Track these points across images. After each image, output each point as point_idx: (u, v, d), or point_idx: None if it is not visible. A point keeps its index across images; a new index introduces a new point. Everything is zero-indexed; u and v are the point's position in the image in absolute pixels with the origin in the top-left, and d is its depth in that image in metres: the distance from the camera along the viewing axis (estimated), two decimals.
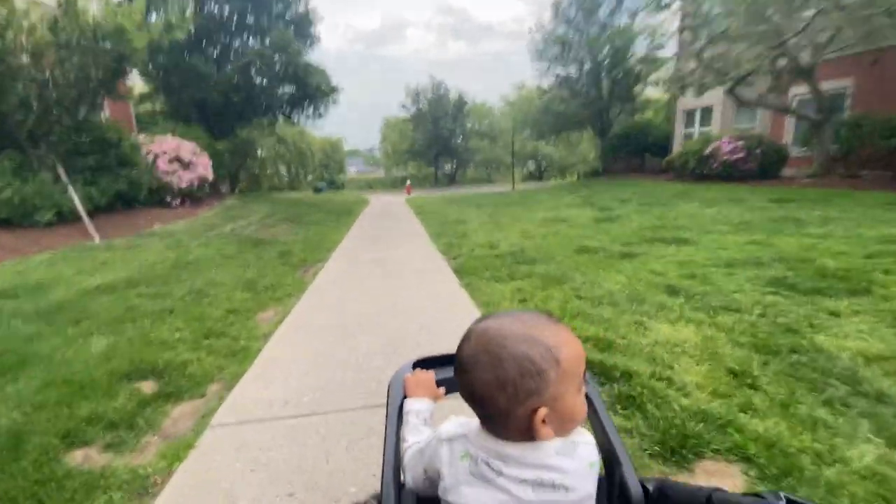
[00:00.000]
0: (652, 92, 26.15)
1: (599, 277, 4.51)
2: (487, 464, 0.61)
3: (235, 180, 45.42)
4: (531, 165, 54.62)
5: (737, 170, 13.57)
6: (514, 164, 30.76)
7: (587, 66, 22.09)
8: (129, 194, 9.41)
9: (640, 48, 21.52)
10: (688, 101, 18.24)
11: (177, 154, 11.48)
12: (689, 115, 18.55)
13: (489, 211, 12.18)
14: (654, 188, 13.95)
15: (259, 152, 46.22)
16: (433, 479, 0.67)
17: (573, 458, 0.61)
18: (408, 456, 0.73)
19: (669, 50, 19.95)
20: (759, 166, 13.42)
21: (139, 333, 3.34)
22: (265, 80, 16.24)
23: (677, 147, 18.80)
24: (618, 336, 2.89)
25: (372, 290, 4.66)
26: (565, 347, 0.59)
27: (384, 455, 0.73)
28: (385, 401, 0.82)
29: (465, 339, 0.63)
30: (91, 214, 8.40)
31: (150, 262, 5.82)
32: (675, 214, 8.38)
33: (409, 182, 28.86)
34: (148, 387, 2.54)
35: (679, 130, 18.96)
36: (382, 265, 5.93)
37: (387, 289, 4.68)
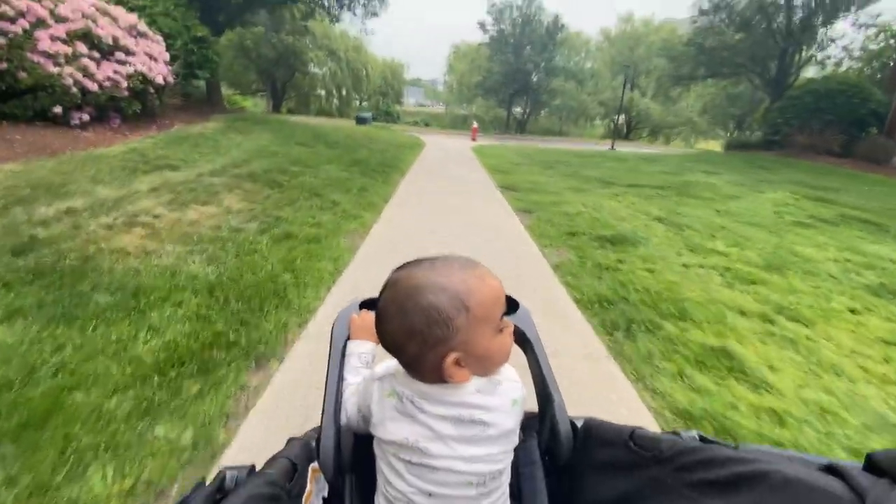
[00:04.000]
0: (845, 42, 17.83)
1: None
2: (411, 401, 0.61)
3: (280, 97, 40.74)
4: (621, 120, 45.90)
5: None
6: (619, 116, 23.54)
7: None
8: None
9: None
10: None
11: (88, 29, 6.26)
12: None
13: (640, 203, 6.41)
14: None
15: (311, 67, 41.09)
16: (366, 417, 0.66)
17: (494, 395, 0.61)
18: (346, 395, 0.73)
19: None
20: None
21: None
22: None
23: None
24: None
25: None
26: (476, 294, 0.57)
27: (325, 392, 0.71)
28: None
29: (383, 288, 0.62)
30: None
31: None
32: None
33: (475, 124, 22.68)
34: None
35: None
36: None
37: None
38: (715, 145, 43.00)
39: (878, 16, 15.17)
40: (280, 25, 29.60)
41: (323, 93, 44.26)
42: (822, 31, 14.66)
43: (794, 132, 13.46)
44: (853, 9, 14.19)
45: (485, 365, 0.60)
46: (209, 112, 10.47)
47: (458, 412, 0.59)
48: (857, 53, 17.56)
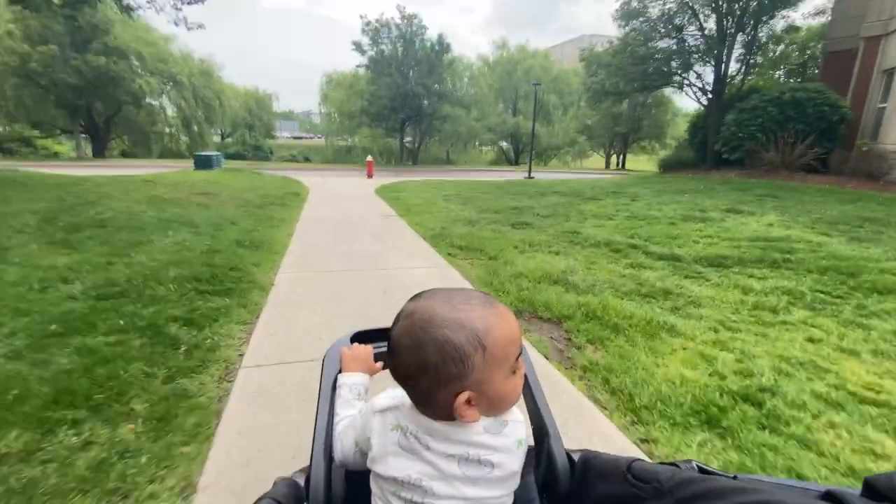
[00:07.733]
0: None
1: None
2: (416, 437, 0.59)
3: (104, 137, 31.41)
4: (505, 145, 44.79)
5: None
6: (533, 142, 20.76)
7: None
8: None
9: None
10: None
11: None
12: None
13: (860, 344, 2.36)
14: None
15: (147, 98, 32.55)
16: (364, 451, 0.64)
17: (501, 435, 0.60)
18: (338, 429, 0.69)
19: None
20: None
21: None
22: None
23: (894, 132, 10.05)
24: None
25: None
26: (494, 332, 0.55)
27: (315, 428, 0.68)
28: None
29: (396, 318, 0.60)
30: None
31: None
32: None
33: (370, 157, 18.14)
34: None
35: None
36: None
37: None
38: (596, 162, 44.38)
39: (818, 12, 14.30)
40: (80, 43, 21.83)
41: (167, 129, 35.83)
42: (759, 33, 13.17)
43: (760, 148, 11.33)
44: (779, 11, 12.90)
45: (496, 405, 0.58)
46: None
47: (464, 451, 0.58)
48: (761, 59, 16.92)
